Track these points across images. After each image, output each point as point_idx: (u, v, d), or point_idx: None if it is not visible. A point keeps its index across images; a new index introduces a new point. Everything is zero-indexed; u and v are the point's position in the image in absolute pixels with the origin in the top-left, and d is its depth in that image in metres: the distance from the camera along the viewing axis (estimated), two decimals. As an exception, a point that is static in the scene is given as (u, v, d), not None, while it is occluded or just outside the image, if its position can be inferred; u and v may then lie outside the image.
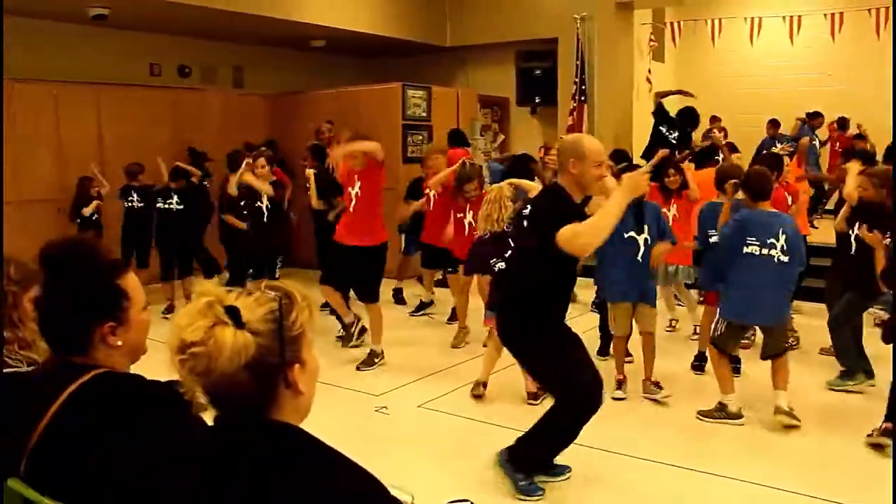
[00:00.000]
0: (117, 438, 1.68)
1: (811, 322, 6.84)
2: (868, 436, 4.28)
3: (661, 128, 8.71)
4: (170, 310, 7.57)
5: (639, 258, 5.04)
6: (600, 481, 3.95)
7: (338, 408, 5.03)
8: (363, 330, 6.16)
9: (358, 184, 5.89)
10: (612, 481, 3.96)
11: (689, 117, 8.65)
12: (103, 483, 1.67)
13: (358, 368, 5.87)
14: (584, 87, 10.23)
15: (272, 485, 1.35)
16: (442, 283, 7.93)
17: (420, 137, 9.84)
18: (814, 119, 11.67)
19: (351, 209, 5.96)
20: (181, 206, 7.83)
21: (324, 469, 1.40)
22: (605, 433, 4.47)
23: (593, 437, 4.24)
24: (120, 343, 1.82)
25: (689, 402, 5.07)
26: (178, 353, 1.36)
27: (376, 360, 5.94)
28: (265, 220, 7.08)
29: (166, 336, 1.40)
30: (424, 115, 9.97)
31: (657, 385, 5.14)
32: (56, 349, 1.85)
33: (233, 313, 1.37)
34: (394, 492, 1.67)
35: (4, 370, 2.10)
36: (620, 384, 5.19)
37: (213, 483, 1.38)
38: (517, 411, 4.81)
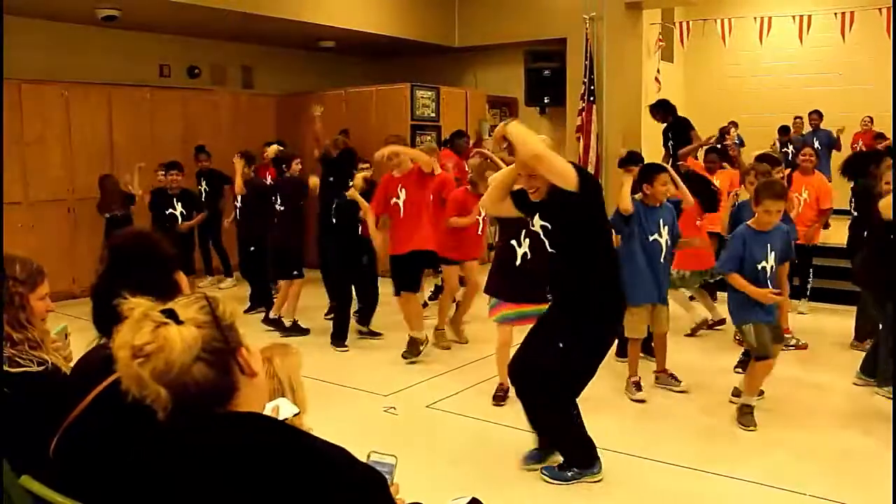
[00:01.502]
0: (139, 430, 1.70)
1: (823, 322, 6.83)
2: None
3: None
4: None
5: (661, 260, 5.11)
6: (606, 481, 3.95)
7: (346, 408, 5.04)
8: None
9: (403, 192, 6.00)
10: (619, 481, 3.95)
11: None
12: (117, 475, 1.69)
13: (404, 356, 6.00)
14: (592, 88, 10.22)
15: (248, 473, 1.36)
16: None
17: (429, 138, 9.84)
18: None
19: (401, 216, 6.04)
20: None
21: (298, 451, 1.42)
22: (611, 433, 4.48)
23: (600, 438, 4.24)
24: None
25: (697, 403, 5.07)
26: (135, 359, 1.38)
27: (421, 348, 6.06)
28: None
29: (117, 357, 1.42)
30: (433, 115, 9.99)
31: (674, 377, 5.18)
32: (110, 336, 1.89)
33: (170, 313, 1.43)
34: (376, 456, 1.72)
35: (16, 370, 2.13)
36: (639, 385, 5.18)
37: (192, 477, 1.40)
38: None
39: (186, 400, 1.41)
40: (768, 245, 4.68)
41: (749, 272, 4.67)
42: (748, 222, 4.79)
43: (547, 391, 3.90)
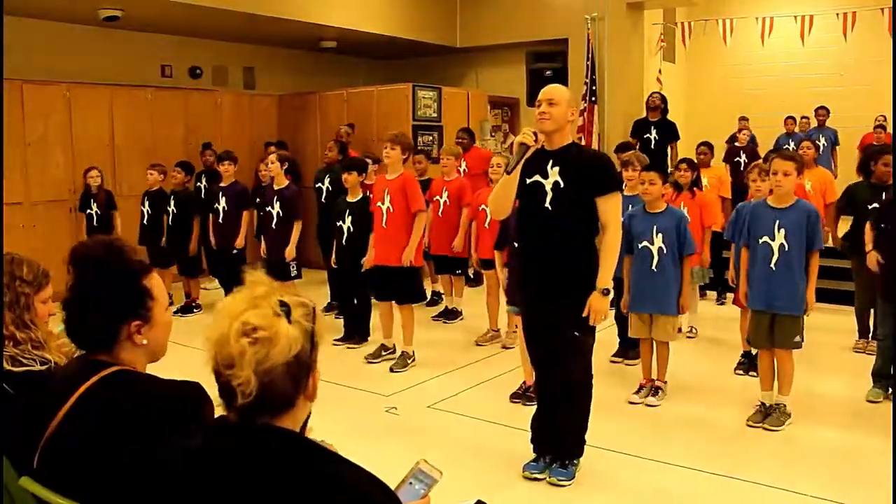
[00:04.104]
0: (126, 437, 1.70)
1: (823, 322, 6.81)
2: None
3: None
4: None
5: (653, 268, 5.01)
6: (606, 481, 3.95)
7: (348, 408, 5.04)
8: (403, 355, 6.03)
9: (388, 198, 5.82)
10: (619, 481, 3.96)
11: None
12: (110, 480, 1.69)
13: (392, 370, 5.86)
14: (594, 88, 10.21)
15: (274, 490, 1.35)
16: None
17: (430, 138, 9.84)
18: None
19: (383, 225, 5.86)
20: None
21: (328, 475, 1.40)
22: (611, 433, 4.48)
23: (599, 437, 4.24)
24: (145, 342, 1.86)
25: (697, 403, 5.07)
26: (244, 336, 1.35)
27: (409, 362, 5.93)
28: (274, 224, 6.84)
29: (217, 320, 1.39)
30: (435, 115, 9.98)
31: (656, 391, 5.12)
32: (83, 347, 1.88)
33: (286, 308, 1.40)
34: (426, 466, 1.69)
35: (19, 369, 2.13)
36: (642, 388, 5.16)
37: (213, 484, 1.39)
38: (527, 412, 4.79)
39: (257, 396, 1.38)
40: (776, 221, 4.51)
41: (752, 247, 4.64)
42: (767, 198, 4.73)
43: (581, 386, 3.91)
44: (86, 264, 1.88)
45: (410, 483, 1.73)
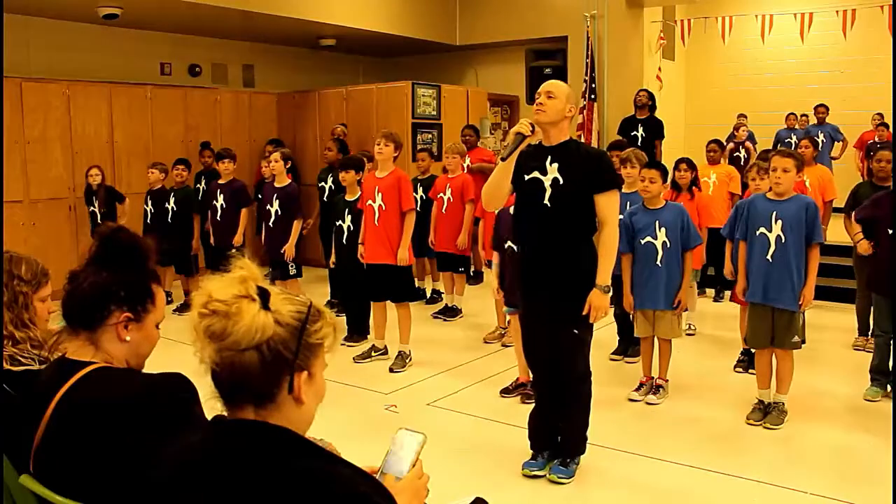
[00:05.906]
0: (108, 435, 1.70)
1: (823, 320, 6.83)
2: None
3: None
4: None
5: (658, 263, 4.99)
6: (607, 479, 3.95)
7: (347, 406, 5.04)
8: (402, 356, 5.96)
9: (379, 196, 5.75)
10: (620, 479, 3.96)
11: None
12: (99, 478, 1.69)
13: (391, 370, 5.81)
14: (594, 86, 10.21)
15: (264, 487, 1.35)
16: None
17: (430, 136, 9.84)
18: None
19: (375, 223, 5.79)
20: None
21: (321, 474, 1.39)
22: (612, 431, 4.48)
23: (601, 435, 4.24)
24: (128, 339, 1.87)
25: (698, 401, 5.07)
26: (200, 307, 1.37)
27: (407, 361, 5.88)
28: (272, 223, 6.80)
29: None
30: (434, 113, 9.97)
31: (657, 390, 5.12)
32: (70, 318, 1.90)
33: (263, 294, 1.39)
34: (404, 431, 1.71)
35: (18, 368, 2.14)
36: (642, 385, 5.16)
37: (206, 483, 1.38)
38: (526, 409, 4.79)
39: (224, 379, 1.39)
40: (774, 213, 4.50)
41: (749, 240, 4.63)
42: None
43: (581, 383, 3.91)
44: (115, 244, 1.92)
45: (395, 453, 1.73)
